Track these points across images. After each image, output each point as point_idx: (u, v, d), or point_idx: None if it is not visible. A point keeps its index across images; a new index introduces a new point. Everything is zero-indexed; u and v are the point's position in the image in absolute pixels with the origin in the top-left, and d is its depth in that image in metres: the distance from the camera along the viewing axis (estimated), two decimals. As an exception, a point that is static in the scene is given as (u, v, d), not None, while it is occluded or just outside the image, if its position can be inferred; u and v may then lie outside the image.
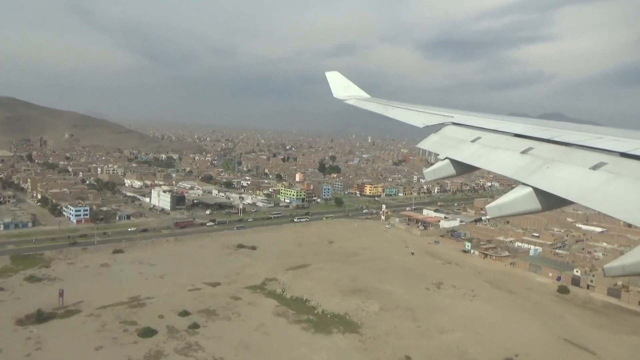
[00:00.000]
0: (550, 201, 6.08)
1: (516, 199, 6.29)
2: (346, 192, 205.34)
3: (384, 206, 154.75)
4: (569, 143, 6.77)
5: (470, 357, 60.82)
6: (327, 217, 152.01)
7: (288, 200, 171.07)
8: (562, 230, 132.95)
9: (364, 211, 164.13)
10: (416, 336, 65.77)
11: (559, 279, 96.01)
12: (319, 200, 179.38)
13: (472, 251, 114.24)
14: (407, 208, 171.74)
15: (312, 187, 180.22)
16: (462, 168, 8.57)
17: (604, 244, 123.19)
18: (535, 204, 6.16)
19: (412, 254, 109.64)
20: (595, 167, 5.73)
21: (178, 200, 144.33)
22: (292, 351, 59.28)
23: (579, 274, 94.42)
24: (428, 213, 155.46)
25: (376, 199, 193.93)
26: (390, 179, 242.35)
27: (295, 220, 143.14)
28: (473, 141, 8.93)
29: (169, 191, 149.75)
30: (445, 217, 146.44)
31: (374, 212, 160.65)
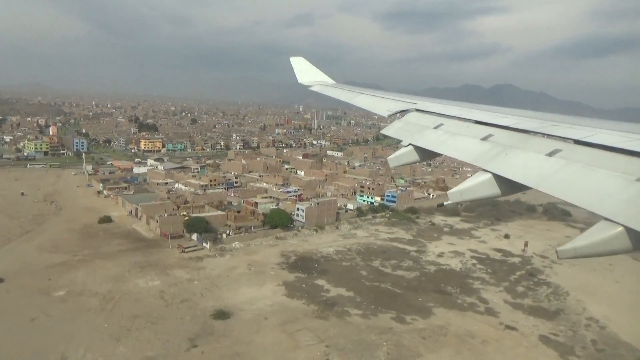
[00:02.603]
0: (509, 186, 6.00)
1: (476, 184, 6.20)
2: (127, 147, 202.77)
3: (83, 155, 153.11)
4: (527, 130, 6.81)
5: None
6: (52, 166, 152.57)
7: (26, 153, 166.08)
8: (234, 173, 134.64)
9: (108, 162, 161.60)
10: None
11: (130, 212, 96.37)
12: (70, 153, 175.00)
13: (103, 191, 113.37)
14: (166, 159, 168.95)
15: (57, 141, 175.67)
16: (425, 154, 8.42)
17: (264, 184, 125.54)
18: (495, 190, 6.08)
19: (22, 194, 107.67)
20: (551, 154, 5.77)
21: None
22: None
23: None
24: (150, 163, 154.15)
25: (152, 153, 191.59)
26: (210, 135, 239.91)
27: (28, 166, 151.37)
28: (435, 128, 8.83)
29: None
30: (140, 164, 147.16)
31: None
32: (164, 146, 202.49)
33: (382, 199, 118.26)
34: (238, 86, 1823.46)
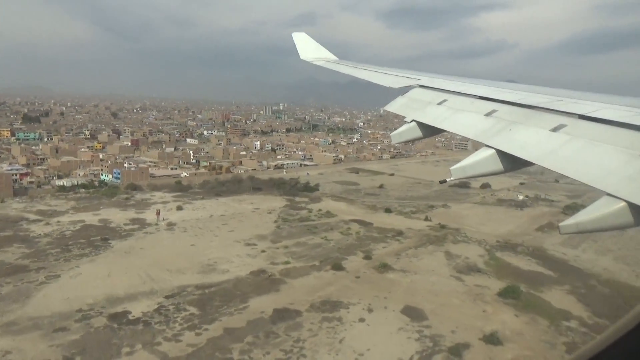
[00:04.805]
0: (511, 163, 5.91)
1: (479, 160, 6.05)
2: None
3: None
4: (531, 105, 6.72)
5: None
6: None
7: None
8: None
9: None
10: None
11: None
12: None
13: None
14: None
15: None
16: (428, 130, 8.38)
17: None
18: (498, 166, 5.95)
19: None
20: (555, 129, 5.69)
21: None
22: None
23: None
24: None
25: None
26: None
27: None
28: (439, 104, 8.79)
29: None
30: None
31: None
32: (13, 135, 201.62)
33: (112, 176, 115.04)
34: (241, 87, 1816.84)
